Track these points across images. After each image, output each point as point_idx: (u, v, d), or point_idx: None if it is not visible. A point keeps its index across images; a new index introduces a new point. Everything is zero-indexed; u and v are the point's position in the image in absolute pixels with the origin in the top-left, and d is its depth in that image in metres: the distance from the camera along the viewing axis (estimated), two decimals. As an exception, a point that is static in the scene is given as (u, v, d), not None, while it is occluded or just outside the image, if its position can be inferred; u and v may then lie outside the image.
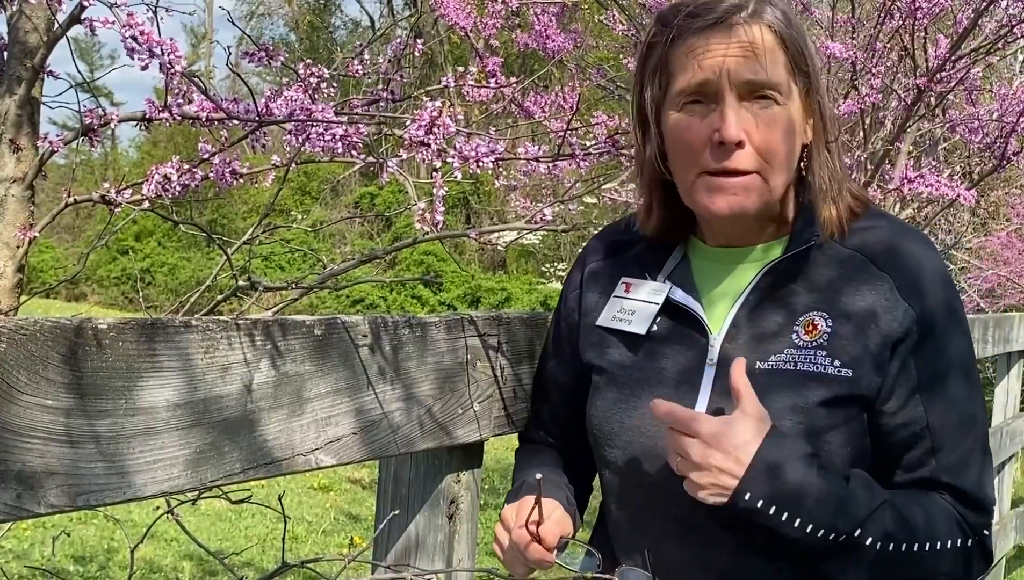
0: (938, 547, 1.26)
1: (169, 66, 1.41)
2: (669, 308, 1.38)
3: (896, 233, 1.35)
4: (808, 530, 1.20)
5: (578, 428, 1.48)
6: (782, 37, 1.28)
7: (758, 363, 1.31)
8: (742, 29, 1.27)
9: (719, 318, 1.36)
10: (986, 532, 1.32)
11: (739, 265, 1.38)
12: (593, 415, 1.42)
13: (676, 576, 1.35)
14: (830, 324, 1.30)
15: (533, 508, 1.31)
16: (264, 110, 1.61)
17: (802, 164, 1.34)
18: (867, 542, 1.22)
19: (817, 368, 1.28)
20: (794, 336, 1.31)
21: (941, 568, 1.28)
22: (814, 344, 1.29)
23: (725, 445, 1.20)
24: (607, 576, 1.23)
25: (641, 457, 1.36)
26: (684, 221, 1.42)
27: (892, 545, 1.23)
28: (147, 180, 1.66)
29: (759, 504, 1.19)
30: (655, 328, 1.39)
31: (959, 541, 1.29)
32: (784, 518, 1.20)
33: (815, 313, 1.31)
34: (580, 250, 1.55)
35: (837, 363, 1.28)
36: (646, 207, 1.42)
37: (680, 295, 1.38)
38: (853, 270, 1.32)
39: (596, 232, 1.58)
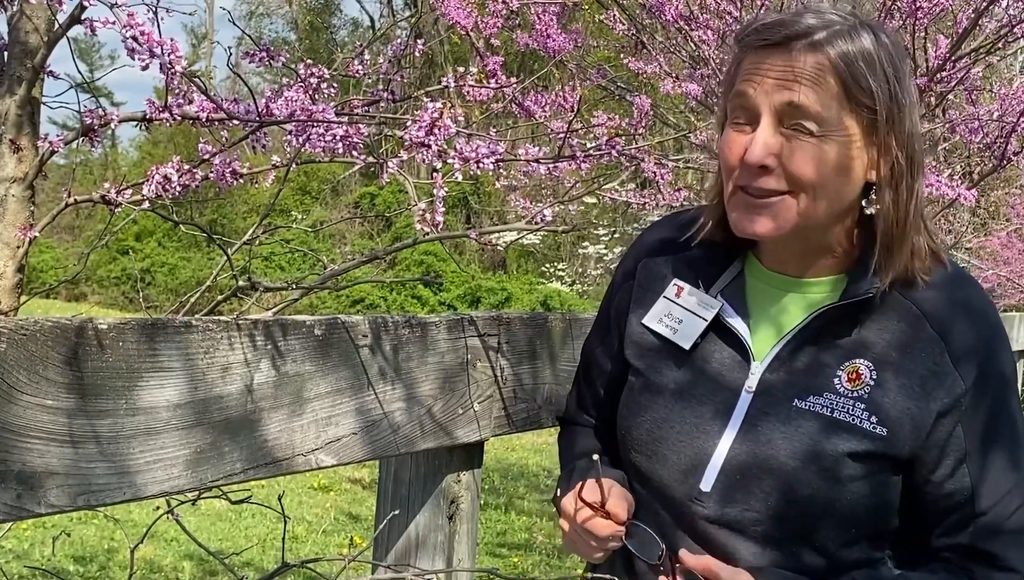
0: None
1: (170, 66, 1.40)
2: (716, 325, 1.37)
3: (955, 289, 1.33)
4: None
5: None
6: (838, 69, 1.25)
7: (796, 401, 1.30)
8: (798, 55, 1.25)
9: (764, 346, 1.35)
10: None
11: (791, 294, 1.37)
12: (624, 416, 1.42)
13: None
14: (874, 377, 1.29)
15: (581, 487, 1.32)
16: (264, 110, 1.61)
17: (864, 202, 1.31)
18: None
19: (853, 420, 1.28)
20: (836, 381, 1.30)
21: None
22: (855, 394, 1.29)
23: None
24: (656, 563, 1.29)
25: (664, 468, 1.36)
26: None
27: None
28: (147, 180, 1.66)
29: None
30: (698, 341, 1.38)
31: None
32: None
33: (861, 361, 1.30)
34: (639, 234, 1.55)
35: (874, 419, 1.27)
36: (713, 208, 1.41)
37: (731, 317, 1.37)
38: (907, 326, 1.31)
39: (657, 219, 1.57)
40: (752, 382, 1.33)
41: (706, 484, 1.32)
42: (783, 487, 1.28)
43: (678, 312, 1.40)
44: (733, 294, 1.39)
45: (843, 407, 1.28)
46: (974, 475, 1.29)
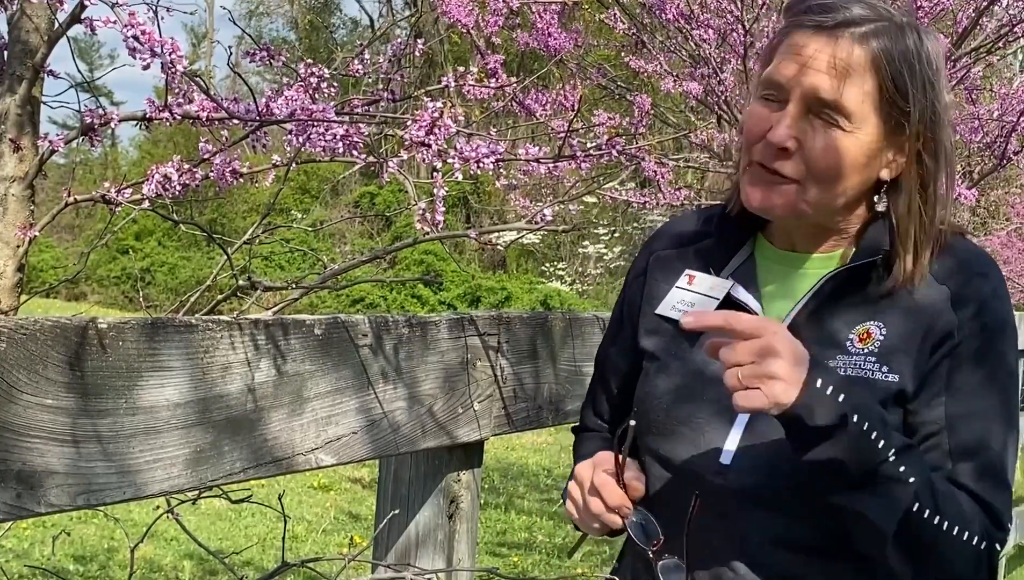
0: (965, 538, 1.24)
1: (171, 66, 1.40)
2: (728, 305, 1.37)
3: (963, 252, 1.34)
4: (864, 427, 1.17)
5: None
6: (880, 67, 1.25)
7: None
8: (844, 45, 1.25)
9: (776, 319, 1.34)
10: (998, 547, 1.30)
11: (802, 268, 1.37)
12: (640, 400, 1.42)
13: (710, 563, 1.34)
14: (884, 332, 1.29)
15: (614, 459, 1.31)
16: (265, 110, 1.61)
17: (875, 198, 1.33)
18: (908, 479, 1.19)
19: (864, 374, 1.28)
20: (848, 343, 1.30)
21: (962, 557, 1.25)
22: (865, 351, 1.29)
23: (775, 339, 1.17)
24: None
25: (684, 447, 1.35)
26: (754, 218, 1.41)
27: (925, 502, 1.20)
28: (147, 179, 1.65)
29: (829, 390, 1.16)
30: None
31: (983, 544, 1.26)
32: (849, 409, 1.16)
33: (871, 322, 1.31)
34: (649, 235, 1.56)
35: (885, 369, 1.28)
36: (736, 184, 1.42)
37: (741, 293, 1.37)
38: (916, 291, 1.31)
39: (666, 220, 1.58)
40: None
41: (727, 457, 1.31)
42: None
43: (690, 297, 1.41)
44: (744, 273, 1.40)
45: (855, 364, 1.29)
46: (951, 411, 1.27)
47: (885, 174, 1.31)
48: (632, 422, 1.28)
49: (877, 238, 1.32)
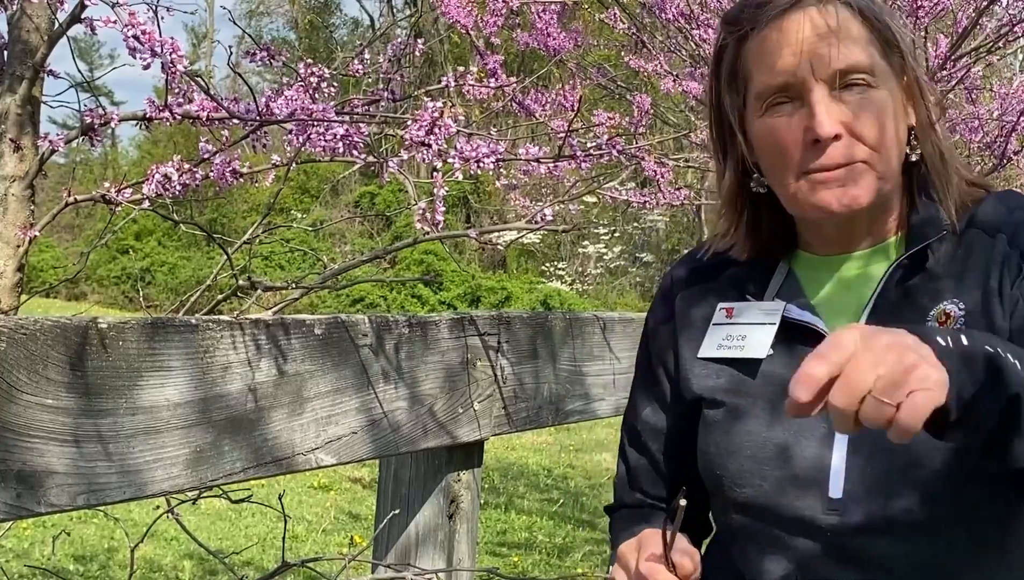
0: None
1: (171, 66, 1.40)
2: (785, 328, 1.24)
3: (1001, 198, 1.25)
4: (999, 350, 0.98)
5: (685, 477, 1.33)
6: (863, 13, 1.17)
7: None
8: (817, 12, 1.16)
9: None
10: None
11: (856, 271, 1.25)
12: (713, 455, 1.26)
13: None
14: (962, 307, 1.18)
15: (656, 538, 1.16)
16: (265, 109, 1.61)
17: (908, 149, 1.22)
18: None
19: None
20: None
21: None
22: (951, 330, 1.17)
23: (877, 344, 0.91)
24: None
25: (780, 491, 1.20)
26: (782, 238, 1.30)
27: None
28: (147, 179, 1.65)
29: (955, 341, 0.95)
30: (772, 351, 1.24)
31: None
32: (981, 342, 0.97)
33: (945, 303, 1.19)
34: (659, 283, 1.43)
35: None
36: (731, 228, 1.30)
37: (796, 312, 1.24)
38: (971, 246, 1.21)
39: (674, 263, 1.45)
40: None
41: (835, 490, 1.17)
42: (917, 460, 1.14)
43: (737, 330, 1.27)
44: (791, 292, 1.27)
45: None
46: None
47: (911, 120, 1.22)
48: (683, 500, 1.09)
49: (926, 215, 1.21)
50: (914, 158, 1.22)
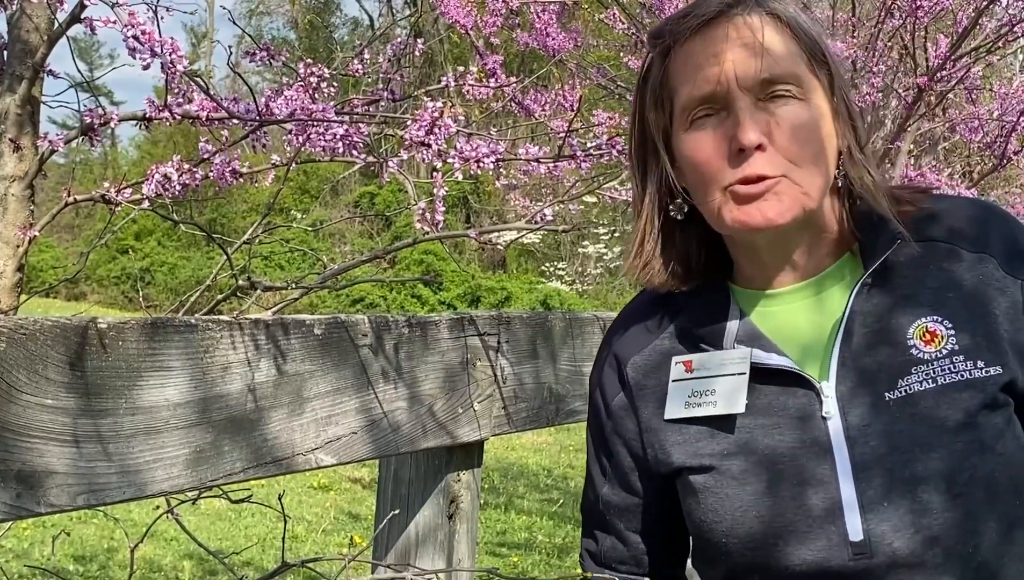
0: None
1: (171, 66, 1.40)
2: (754, 373, 1.17)
3: (969, 209, 1.21)
4: None
5: (659, 549, 1.29)
6: (791, 26, 1.14)
7: (887, 394, 1.13)
8: (743, 22, 1.12)
9: (817, 364, 1.17)
10: None
11: (810, 299, 1.20)
12: (714, 523, 1.18)
13: None
14: (950, 326, 1.13)
15: None
16: (265, 110, 1.61)
17: (838, 171, 1.18)
18: None
19: (963, 375, 1.12)
20: (914, 351, 1.14)
21: None
22: (946, 351, 1.13)
23: None
24: None
25: (798, 545, 1.13)
26: (712, 266, 1.24)
27: None
28: (147, 179, 1.65)
29: None
30: (748, 400, 1.17)
31: None
32: None
33: (924, 319, 1.14)
34: (600, 348, 1.34)
35: (981, 363, 1.12)
36: (650, 256, 1.23)
37: (763, 357, 1.17)
38: (944, 261, 1.17)
39: (611, 324, 1.36)
40: (830, 406, 1.14)
41: (855, 533, 1.11)
42: (937, 488, 1.10)
43: (704, 385, 1.20)
44: (750, 337, 1.20)
45: (944, 370, 1.12)
46: None
47: (841, 142, 1.17)
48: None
49: (874, 230, 1.17)
50: (840, 183, 1.18)
